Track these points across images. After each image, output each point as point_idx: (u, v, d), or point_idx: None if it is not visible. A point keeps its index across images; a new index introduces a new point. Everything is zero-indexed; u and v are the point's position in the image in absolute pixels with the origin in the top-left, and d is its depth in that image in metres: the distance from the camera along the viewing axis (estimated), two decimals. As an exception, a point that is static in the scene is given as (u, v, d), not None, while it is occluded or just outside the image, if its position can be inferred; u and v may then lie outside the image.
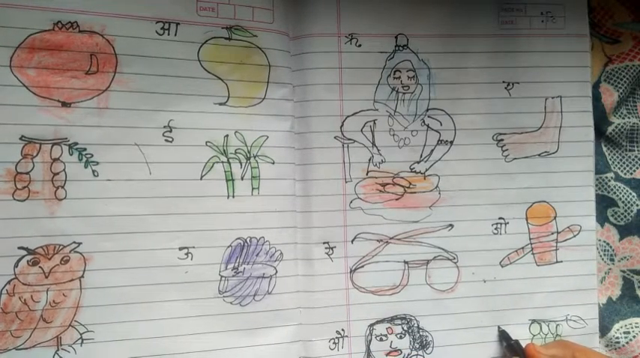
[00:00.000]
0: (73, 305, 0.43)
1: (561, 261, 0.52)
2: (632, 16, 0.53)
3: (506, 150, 0.51)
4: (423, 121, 0.50)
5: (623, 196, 0.53)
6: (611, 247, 0.54)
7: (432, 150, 0.50)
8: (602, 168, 0.53)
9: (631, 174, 0.54)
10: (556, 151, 0.52)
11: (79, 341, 0.43)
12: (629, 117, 0.53)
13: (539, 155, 0.52)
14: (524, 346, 0.50)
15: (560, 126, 0.52)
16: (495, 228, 0.51)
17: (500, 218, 0.51)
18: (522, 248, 0.51)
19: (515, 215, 0.51)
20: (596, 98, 0.53)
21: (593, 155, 0.52)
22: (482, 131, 0.51)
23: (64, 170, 0.42)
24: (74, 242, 0.42)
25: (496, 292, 0.51)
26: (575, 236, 0.52)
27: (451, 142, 0.51)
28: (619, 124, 0.53)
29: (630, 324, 0.53)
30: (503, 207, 0.51)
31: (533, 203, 0.52)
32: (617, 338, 0.53)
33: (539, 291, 0.52)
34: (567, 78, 0.52)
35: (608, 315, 0.53)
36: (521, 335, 0.51)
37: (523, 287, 0.51)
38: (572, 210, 0.52)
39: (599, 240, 0.54)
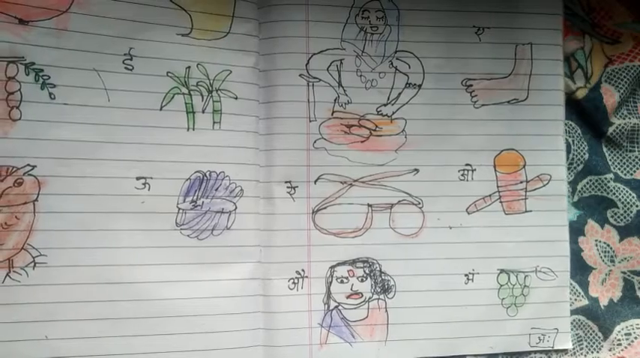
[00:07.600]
0: (26, 228, 0.42)
1: (530, 211, 0.51)
2: (632, 16, 0.52)
3: (475, 96, 0.50)
4: (391, 63, 0.50)
5: (622, 197, 0.53)
6: (611, 248, 0.53)
7: (400, 93, 0.50)
8: (602, 169, 0.53)
9: (631, 174, 0.53)
10: (525, 99, 0.51)
11: (32, 264, 0.42)
12: (629, 118, 0.53)
13: (508, 102, 0.51)
14: None
15: (530, 74, 0.51)
16: (462, 175, 0.50)
17: (467, 164, 0.50)
18: (490, 195, 0.51)
19: (482, 162, 0.50)
20: (598, 99, 0.52)
21: (563, 104, 0.52)
22: (451, 75, 0.50)
23: (19, 90, 0.42)
24: (28, 164, 0.42)
25: (462, 239, 0.50)
26: (545, 185, 0.51)
27: (419, 86, 0.50)
28: (620, 125, 0.53)
29: (631, 325, 0.52)
30: (470, 153, 0.50)
31: (502, 151, 0.51)
32: (619, 340, 0.52)
33: (507, 241, 0.51)
34: (538, 25, 0.51)
35: (610, 317, 0.52)
36: (489, 285, 0.50)
37: (491, 235, 0.50)
38: (542, 159, 0.51)
39: (599, 241, 0.53)
